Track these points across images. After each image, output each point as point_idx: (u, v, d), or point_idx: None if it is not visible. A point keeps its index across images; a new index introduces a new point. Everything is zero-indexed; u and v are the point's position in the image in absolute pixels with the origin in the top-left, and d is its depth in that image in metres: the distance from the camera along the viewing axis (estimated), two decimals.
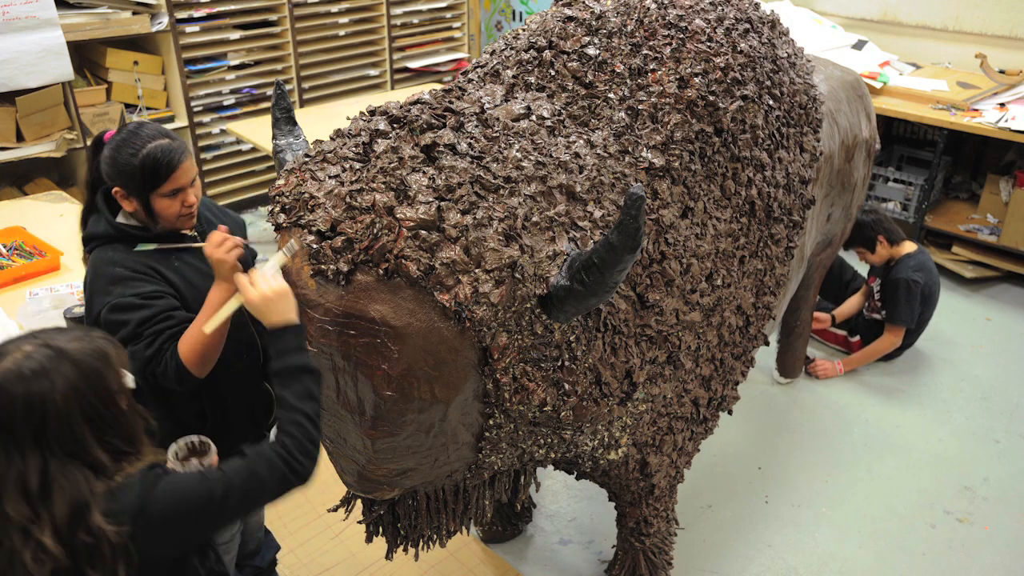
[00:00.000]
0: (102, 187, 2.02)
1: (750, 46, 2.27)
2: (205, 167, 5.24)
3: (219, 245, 1.85)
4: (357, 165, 1.67)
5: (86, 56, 4.82)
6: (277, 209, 1.69)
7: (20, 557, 1.25)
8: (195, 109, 5.07)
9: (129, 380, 1.41)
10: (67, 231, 3.49)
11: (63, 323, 2.80)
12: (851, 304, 4.17)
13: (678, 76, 2.07)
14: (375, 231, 1.55)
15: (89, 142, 2.06)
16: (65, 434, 1.29)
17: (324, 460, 1.99)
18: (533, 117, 1.91)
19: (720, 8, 2.30)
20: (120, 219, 2.02)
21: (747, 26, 2.33)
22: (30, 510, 1.26)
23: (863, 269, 4.33)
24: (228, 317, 1.72)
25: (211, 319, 1.72)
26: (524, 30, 2.24)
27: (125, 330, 1.89)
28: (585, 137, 1.92)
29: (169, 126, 4.97)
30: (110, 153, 1.94)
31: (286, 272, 1.70)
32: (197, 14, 4.87)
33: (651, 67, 2.08)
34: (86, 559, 1.28)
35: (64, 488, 1.28)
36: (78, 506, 1.28)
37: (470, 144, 1.72)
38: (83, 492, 1.29)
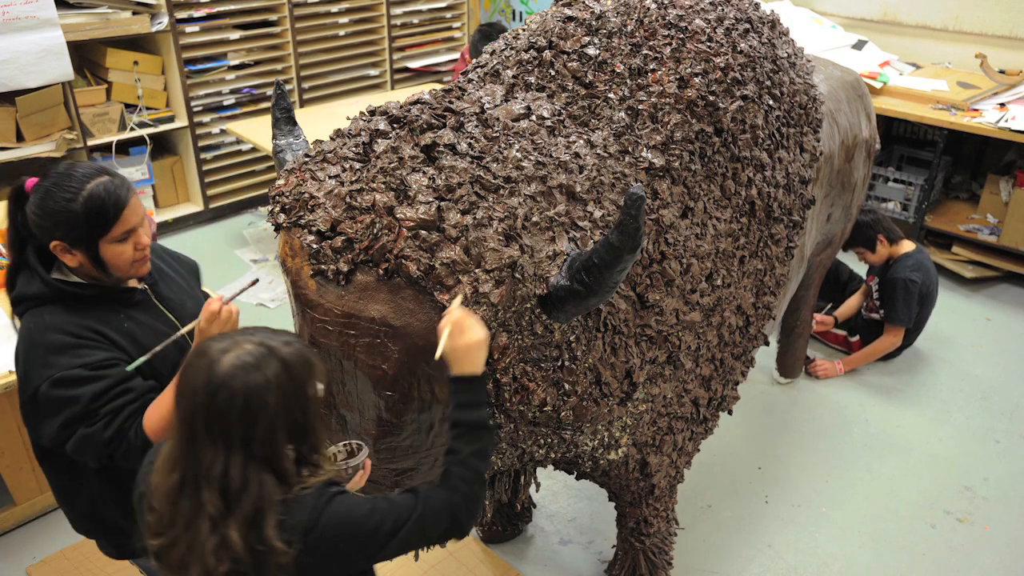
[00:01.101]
0: (32, 242, 1.73)
1: (750, 46, 2.27)
2: (205, 167, 5.24)
3: (215, 318, 1.65)
4: (357, 165, 1.67)
5: (86, 56, 4.82)
6: (277, 209, 1.69)
7: (203, 546, 1.26)
8: (195, 109, 5.07)
9: (321, 389, 1.38)
10: None
11: None
12: (852, 304, 4.17)
13: (678, 76, 2.07)
14: (375, 231, 1.55)
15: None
16: (269, 437, 1.28)
17: None
18: (533, 117, 1.91)
19: (720, 8, 2.30)
20: (55, 275, 1.75)
21: (747, 26, 2.33)
22: (224, 506, 1.26)
23: (861, 270, 4.33)
24: None
25: None
26: (524, 30, 2.24)
27: (74, 408, 1.64)
28: (585, 137, 1.92)
29: (169, 126, 4.99)
30: (40, 201, 1.67)
31: (286, 271, 1.70)
32: (197, 14, 4.87)
33: (651, 67, 2.08)
34: (253, 568, 1.28)
35: (253, 492, 1.27)
36: (259, 513, 1.27)
37: (470, 144, 1.72)
38: (266, 499, 1.28)
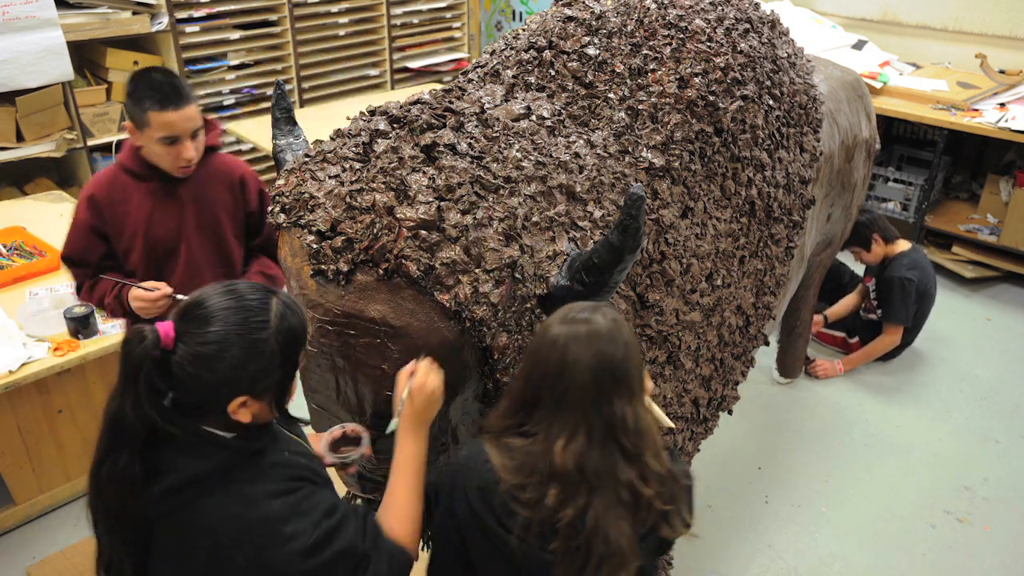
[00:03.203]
0: (193, 406, 1.32)
1: (750, 46, 2.27)
2: None
3: (414, 377, 1.48)
4: (357, 165, 1.67)
5: (86, 56, 4.81)
6: (277, 209, 1.69)
7: (621, 485, 1.37)
8: None
9: None
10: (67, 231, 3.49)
11: (63, 323, 2.80)
12: (845, 304, 4.17)
13: (678, 76, 2.07)
14: (375, 231, 1.55)
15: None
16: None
17: None
18: (533, 117, 1.91)
19: (720, 8, 2.30)
20: (216, 431, 1.34)
21: (747, 26, 2.33)
22: (638, 441, 1.39)
23: (861, 271, 4.33)
24: None
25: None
26: (524, 30, 2.24)
27: (346, 564, 1.34)
28: (585, 137, 1.92)
29: None
30: (205, 353, 1.27)
31: (286, 271, 1.70)
32: (197, 14, 4.87)
33: (651, 67, 2.08)
34: (671, 488, 1.45)
35: (651, 423, 1.43)
36: (656, 438, 1.44)
37: (470, 144, 1.72)
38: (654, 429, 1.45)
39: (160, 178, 2.22)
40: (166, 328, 1.28)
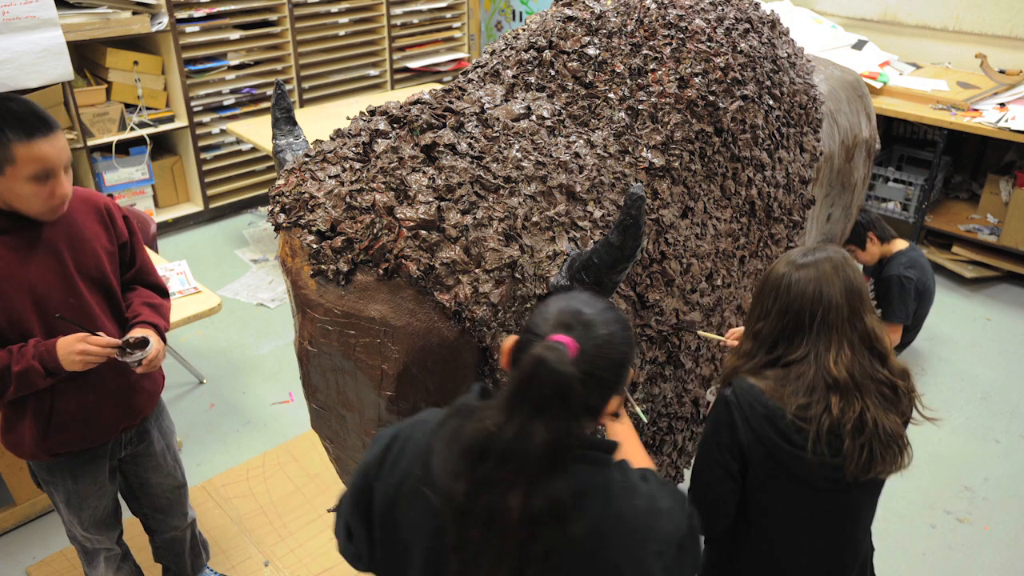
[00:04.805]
0: (588, 411, 1.27)
1: (750, 46, 2.27)
2: (205, 167, 5.24)
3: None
4: (357, 165, 1.68)
5: (86, 56, 4.82)
6: (277, 209, 1.69)
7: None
8: (195, 109, 5.07)
9: None
10: None
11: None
12: None
13: (678, 76, 2.07)
14: (375, 231, 1.55)
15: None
16: None
17: (325, 460, 1.99)
18: (533, 117, 1.91)
19: (720, 8, 2.30)
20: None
21: (747, 26, 2.33)
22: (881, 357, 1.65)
23: None
24: None
25: None
26: (524, 30, 2.24)
27: (687, 515, 1.35)
28: (585, 137, 1.92)
29: (169, 126, 4.98)
30: (608, 351, 1.25)
31: (286, 271, 1.70)
32: (197, 14, 4.87)
33: (651, 67, 2.08)
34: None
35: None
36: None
37: (470, 144, 1.72)
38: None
39: (19, 227, 1.85)
40: (567, 340, 1.21)
